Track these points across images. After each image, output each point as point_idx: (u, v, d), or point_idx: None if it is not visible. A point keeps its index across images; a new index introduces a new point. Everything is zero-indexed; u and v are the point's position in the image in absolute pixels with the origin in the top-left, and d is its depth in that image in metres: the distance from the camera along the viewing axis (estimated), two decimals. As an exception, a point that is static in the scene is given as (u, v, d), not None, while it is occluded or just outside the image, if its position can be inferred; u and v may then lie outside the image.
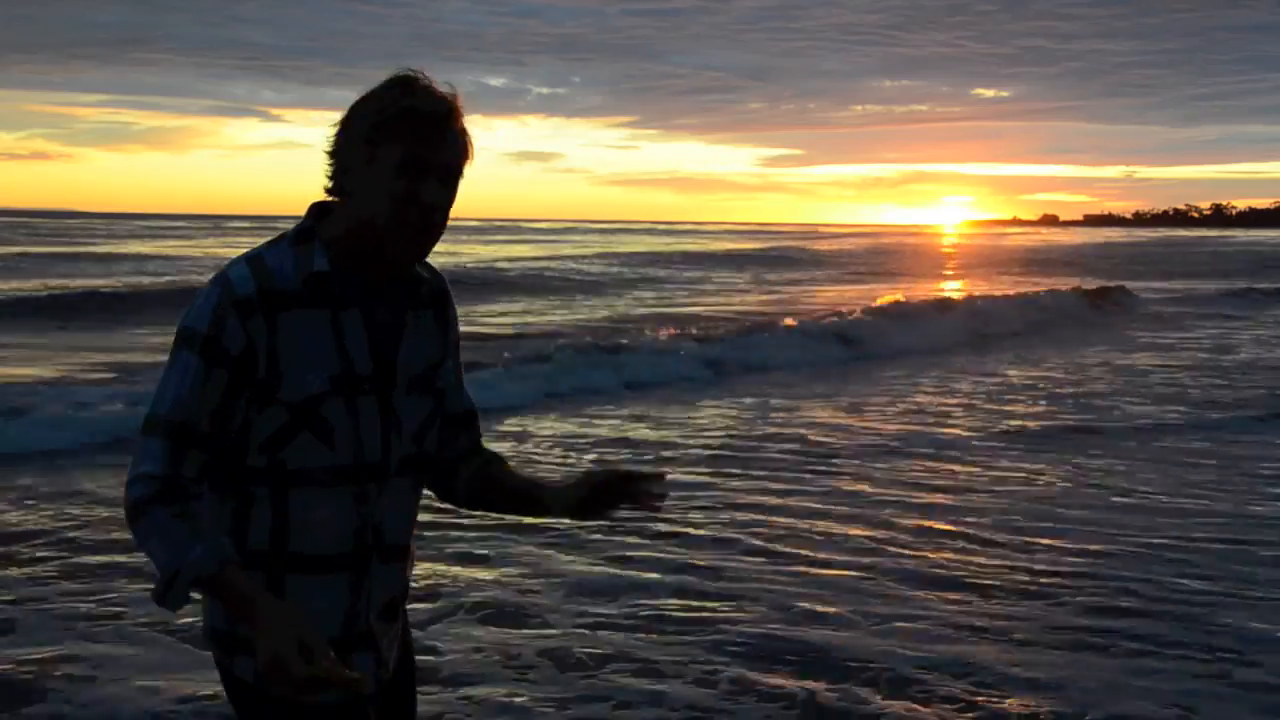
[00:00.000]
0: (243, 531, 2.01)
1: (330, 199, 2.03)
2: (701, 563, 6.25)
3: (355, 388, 2.00)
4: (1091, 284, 28.54)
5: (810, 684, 4.63)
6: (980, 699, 4.52)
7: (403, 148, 1.92)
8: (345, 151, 1.97)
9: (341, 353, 1.99)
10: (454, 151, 1.98)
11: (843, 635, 5.18)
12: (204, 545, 1.87)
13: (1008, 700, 4.51)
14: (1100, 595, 5.76)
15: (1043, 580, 5.99)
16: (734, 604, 5.60)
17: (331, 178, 2.00)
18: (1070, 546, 6.61)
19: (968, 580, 6.01)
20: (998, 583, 5.95)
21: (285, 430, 1.97)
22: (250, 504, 2.01)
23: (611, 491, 2.13)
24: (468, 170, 2.02)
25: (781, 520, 7.15)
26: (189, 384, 1.93)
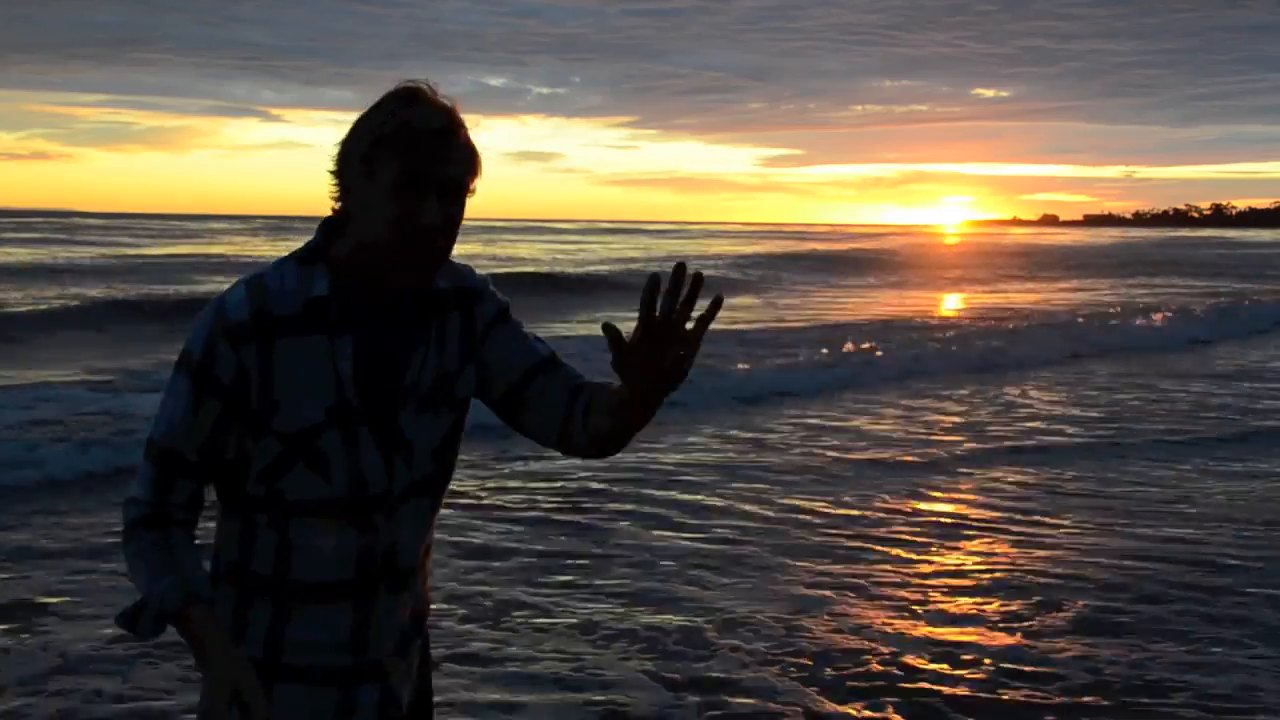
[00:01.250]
0: (248, 555, 1.97)
1: (334, 215, 1.95)
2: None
3: (352, 418, 1.92)
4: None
5: None
6: None
7: (399, 165, 1.84)
8: (346, 171, 1.90)
9: (337, 382, 1.90)
10: (456, 167, 1.88)
11: None
12: (174, 579, 1.84)
13: None
14: None
15: None
16: None
17: (337, 197, 1.93)
18: None
19: None
20: None
21: (280, 462, 1.90)
22: (254, 529, 1.96)
23: (653, 337, 1.79)
24: (475, 185, 1.92)
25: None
26: (180, 411, 1.90)
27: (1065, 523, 7.25)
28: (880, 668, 4.89)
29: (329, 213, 1.97)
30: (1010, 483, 8.38)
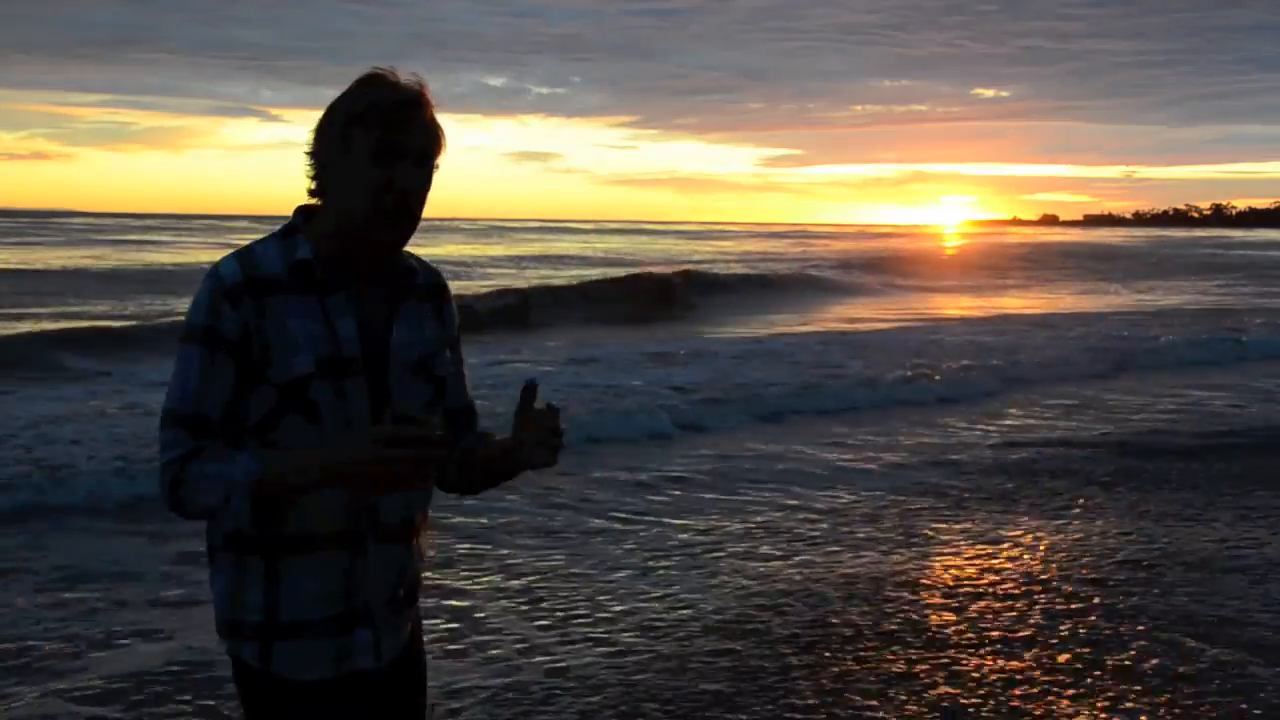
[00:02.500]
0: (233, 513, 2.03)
1: (314, 201, 2.09)
2: None
3: (343, 370, 2.04)
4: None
5: None
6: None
7: (376, 135, 1.99)
8: (322, 150, 2.04)
9: (330, 336, 2.03)
10: (425, 137, 2.04)
11: None
12: (242, 457, 1.96)
13: None
14: None
15: None
16: None
17: (313, 178, 2.07)
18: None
19: None
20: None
21: (274, 412, 2.01)
22: None
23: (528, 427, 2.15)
24: (441, 161, 2.08)
25: None
26: (195, 376, 2.00)
27: None
28: None
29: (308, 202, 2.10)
30: None
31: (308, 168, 2.07)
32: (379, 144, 1.99)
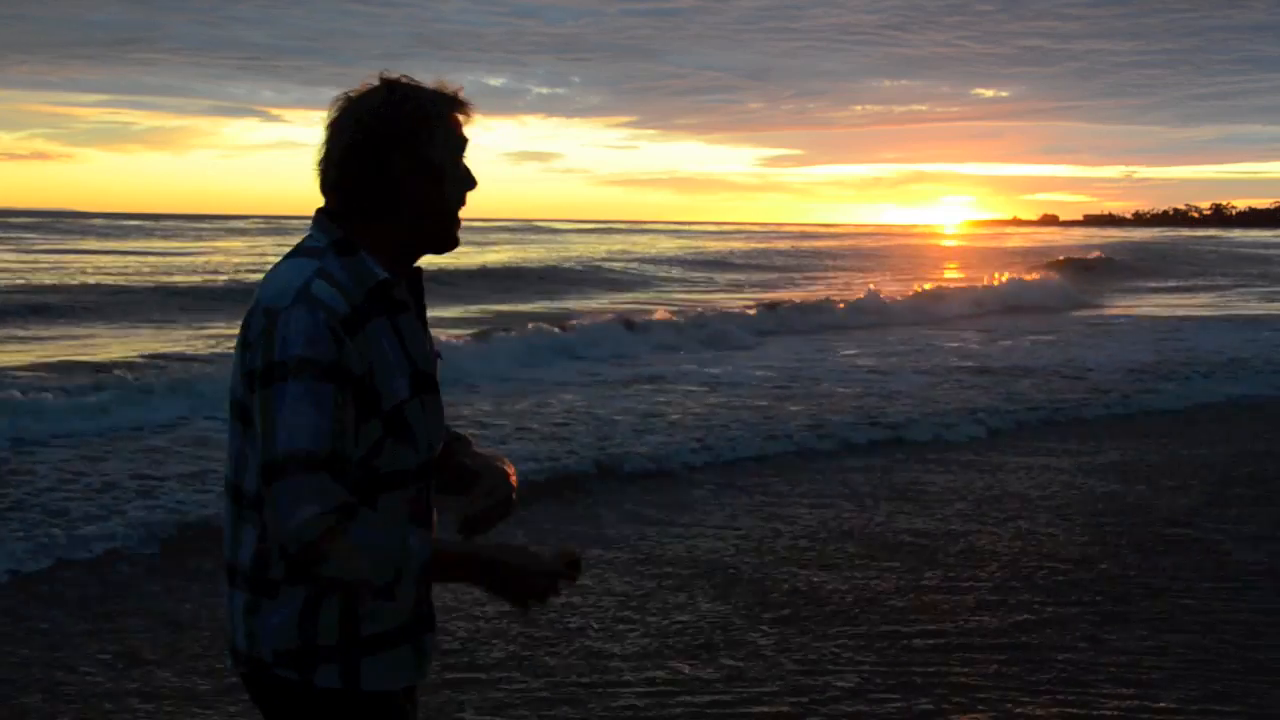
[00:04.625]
0: None
1: (356, 205, 2.03)
2: None
3: (424, 386, 2.05)
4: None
5: None
6: None
7: (444, 133, 2.03)
8: (378, 158, 1.99)
9: (408, 355, 2.03)
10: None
11: None
12: (414, 534, 1.99)
13: None
14: None
15: None
16: None
17: (365, 186, 2.01)
18: None
19: None
20: None
21: (379, 442, 1.98)
22: None
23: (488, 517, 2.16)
24: None
25: None
26: (327, 414, 1.87)
27: None
28: None
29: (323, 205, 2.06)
30: None
31: (351, 174, 2.01)
32: (455, 141, 2.04)
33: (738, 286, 33.76)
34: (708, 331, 18.08)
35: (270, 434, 1.87)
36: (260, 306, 1.97)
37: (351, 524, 1.86)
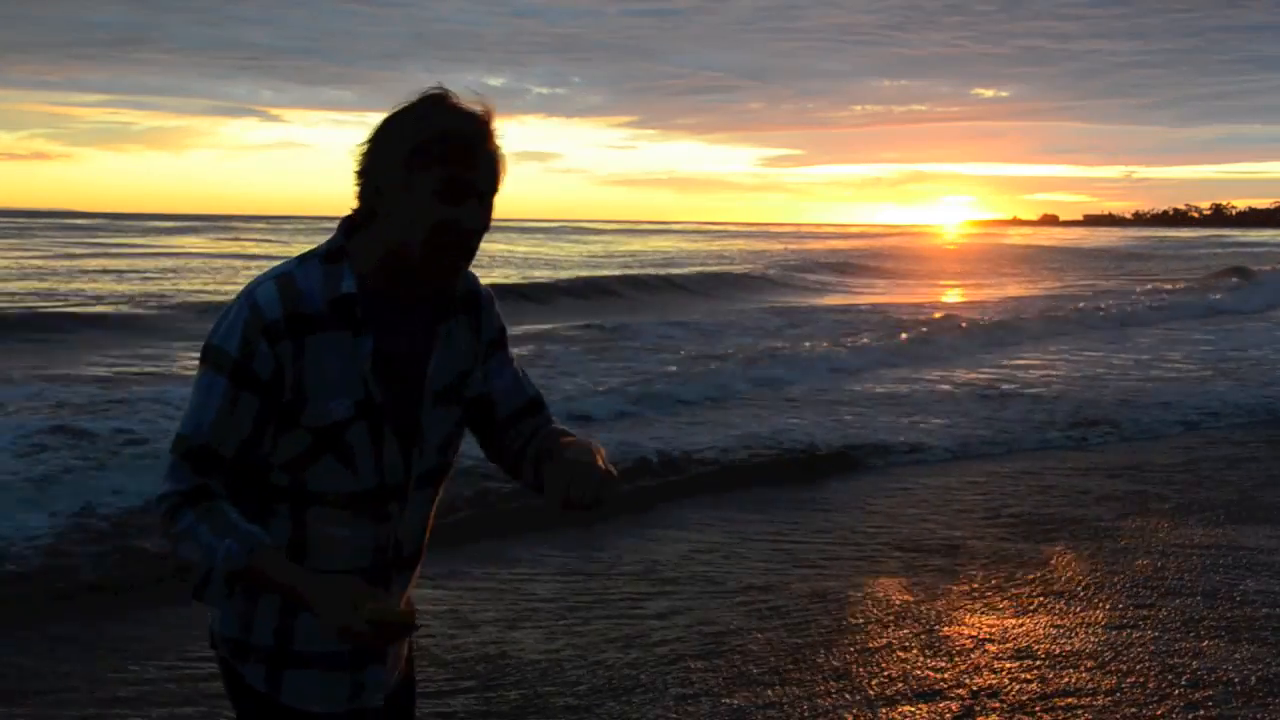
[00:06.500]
0: None
1: (356, 215, 1.98)
2: None
3: (378, 413, 1.97)
4: None
5: None
6: None
7: (441, 171, 1.88)
8: (378, 172, 1.92)
9: (363, 379, 1.95)
10: (491, 173, 1.93)
11: None
12: (231, 539, 1.89)
13: None
14: None
15: None
16: None
17: (361, 197, 1.95)
18: None
19: None
20: None
21: (308, 454, 1.95)
22: (270, 519, 1.99)
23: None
24: (502, 189, 1.97)
25: None
26: (215, 407, 1.92)
27: None
28: None
29: (347, 212, 2.00)
30: None
31: (356, 185, 1.96)
32: (445, 182, 1.88)
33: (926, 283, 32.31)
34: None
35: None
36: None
37: (190, 510, 1.91)
